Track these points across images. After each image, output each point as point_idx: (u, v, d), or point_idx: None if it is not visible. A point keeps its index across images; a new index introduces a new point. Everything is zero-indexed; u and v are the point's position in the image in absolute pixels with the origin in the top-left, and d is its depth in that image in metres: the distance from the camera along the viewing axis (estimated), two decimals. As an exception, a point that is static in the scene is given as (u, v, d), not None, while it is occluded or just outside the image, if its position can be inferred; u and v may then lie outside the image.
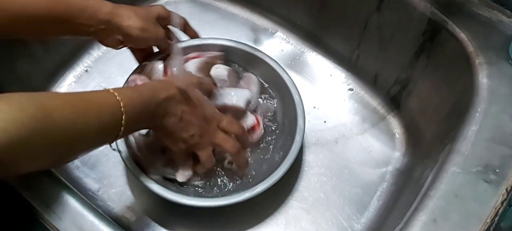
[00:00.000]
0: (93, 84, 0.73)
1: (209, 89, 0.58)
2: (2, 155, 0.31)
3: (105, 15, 0.51)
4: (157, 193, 0.54)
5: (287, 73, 0.65)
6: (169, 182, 0.58)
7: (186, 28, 0.64)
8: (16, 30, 0.48)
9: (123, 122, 0.41)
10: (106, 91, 0.42)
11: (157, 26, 0.57)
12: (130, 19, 0.53)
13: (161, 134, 0.51)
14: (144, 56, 0.62)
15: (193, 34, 0.65)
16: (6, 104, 0.32)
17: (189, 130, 0.50)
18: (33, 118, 0.33)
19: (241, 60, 0.68)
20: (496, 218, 0.43)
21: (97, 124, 0.39)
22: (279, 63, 0.66)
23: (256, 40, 0.80)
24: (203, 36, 0.67)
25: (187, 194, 0.55)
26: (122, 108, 0.41)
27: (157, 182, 0.55)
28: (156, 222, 0.61)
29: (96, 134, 0.40)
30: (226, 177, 0.59)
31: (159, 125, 0.48)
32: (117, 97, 0.41)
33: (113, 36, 0.53)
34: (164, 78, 0.59)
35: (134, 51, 0.62)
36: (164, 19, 0.59)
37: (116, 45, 0.55)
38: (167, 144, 0.52)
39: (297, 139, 0.58)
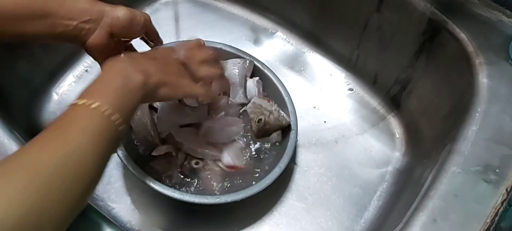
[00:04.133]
0: (93, 84, 0.73)
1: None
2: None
3: (84, 3, 0.48)
4: (157, 190, 0.54)
5: (273, 72, 0.65)
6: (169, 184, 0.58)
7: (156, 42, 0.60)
8: None
9: (119, 119, 0.39)
10: (76, 106, 0.38)
11: (141, 12, 0.53)
12: (111, 5, 0.50)
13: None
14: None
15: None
16: (1, 183, 0.30)
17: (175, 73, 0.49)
18: (24, 187, 0.31)
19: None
20: (496, 218, 0.43)
21: (92, 144, 0.36)
22: (266, 65, 0.66)
23: (256, 40, 0.80)
24: (202, 37, 0.67)
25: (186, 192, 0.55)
26: (105, 111, 0.38)
27: (156, 180, 0.55)
28: (156, 221, 0.61)
29: (96, 152, 0.37)
30: (228, 177, 0.60)
31: (154, 98, 0.46)
32: (92, 106, 0.38)
33: (99, 29, 0.49)
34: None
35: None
36: (147, 26, 0.55)
37: (103, 40, 0.49)
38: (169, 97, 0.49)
39: (292, 136, 0.59)
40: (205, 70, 0.54)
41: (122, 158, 0.56)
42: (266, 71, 0.65)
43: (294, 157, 0.65)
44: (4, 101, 0.62)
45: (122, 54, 0.46)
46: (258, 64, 0.66)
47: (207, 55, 0.55)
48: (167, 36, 0.77)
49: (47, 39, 0.48)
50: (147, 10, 0.82)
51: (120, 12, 0.49)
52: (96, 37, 0.49)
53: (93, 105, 0.38)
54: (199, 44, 0.56)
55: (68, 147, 0.35)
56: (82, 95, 0.39)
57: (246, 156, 0.61)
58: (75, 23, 0.47)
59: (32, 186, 0.31)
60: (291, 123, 0.61)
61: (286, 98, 0.63)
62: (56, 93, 0.72)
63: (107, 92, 0.40)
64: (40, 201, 0.31)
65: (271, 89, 0.65)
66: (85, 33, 0.48)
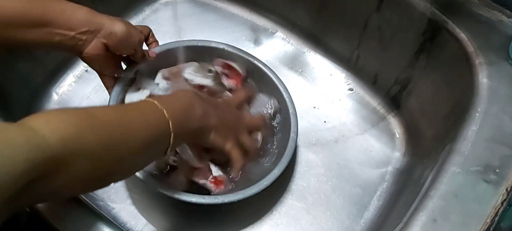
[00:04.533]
0: (93, 84, 0.73)
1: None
2: (58, 152, 0.31)
3: (85, 14, 0.48)
4: (159, 191, 0.54)
5: (274, 73, 0.65)
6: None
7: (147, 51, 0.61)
8: None
9: (170, 128, 0.42)
10: (145, 101, 0.43)
11: (137, 30, 0.55)
12: (110, 18, 0.51)
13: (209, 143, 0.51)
14: (113, 80, 0.58)
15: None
16: (51, 111, 0.34)
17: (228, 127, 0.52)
18: (78, 117, 0.34)
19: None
20: (496, 218, 0.43)
21: (144, 127, 0.40)
22: (267, 64, 0.66)
23: (256, 40, 0.80)
24: (202, 37, 0.67)
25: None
26: (166, 114, 0.41)
27: (156, 181, 0.55)
28: (156, 222, 0.61)
29: (144, 136, 0.40)
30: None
31: (204, 138, 0.50)
32: (159, 106, 0.42)
33: (95, 40, 0.50)
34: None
35: (103, 75, 0.57)
36: (145, 36, 0.59)
37: (99, 51, 0.51)
38: (218, 146, 0.52)
39: (292, 135, 0.59)
40: (249, 142, 0.56)
41: None
42: (266, 71, 0.65)
43: (294, 158, 0.65)
44: (4, 101, 0.62)
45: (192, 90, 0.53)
46: (259, 64, 0.66)
47: (257, 122, 0.59)
48: (167, 36, 0.78)
49: (44, 47, 0.48)
50: (147, 10, 0.82)
51: (118, 28, 0.50)
52: (92, 48, 0.50)
53: (158, 106, 0.42)
54: (263, 120, 0.62)
55: (126, 117, 0.39)
56: (154, 97, 0.44)
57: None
58: (72, 33, 0.48)
59: (84, 121, 0.34)
60: (292, 124, 0.61)
61: (287, 99, 0.63)
62: (56, 93, 0.72)
63: (171, 103, 0.44)
64: (88, 134, 0.34)
65: (270, 88, 0.65)
66: (82, 44, 0.49)
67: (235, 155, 0.53)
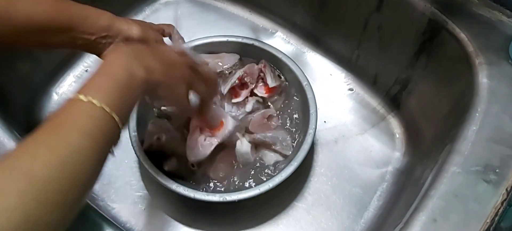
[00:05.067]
0: (93, 84, 0.73)
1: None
2: None
3: (106, 20, 0.51)
4: (165, 185, 0.54)
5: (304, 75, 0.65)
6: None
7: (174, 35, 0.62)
8: (20, 40, 0.47)
9: (117, 121, 0.37)
10: (77, 102, 0.36)
11: (154, 31, 0.57)
12: (128, 23, 0.53)
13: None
14: None
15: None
16: None
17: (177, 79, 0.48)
18: (20, 194, 0.29)
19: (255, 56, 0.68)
20: (496, 218, 0.43)
21: (91, 146, 0.35)
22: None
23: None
24: (202, 37, 0.67)
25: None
26: (107, 111, 0.36)
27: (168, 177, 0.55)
28: (156, 221, 0.61)
29: (94, 153, 0.35)
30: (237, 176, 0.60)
31: (151, 95, 0.47)
32: (96, 104, 0.36)
33: (115, 43, 0.52)
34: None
35: None
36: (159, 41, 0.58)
37: None
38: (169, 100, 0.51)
39: (308, 140, 0.59)
40: (203, 90, 0.52)
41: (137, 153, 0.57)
42: (284, 59, 0.66)
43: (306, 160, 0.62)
44: (4, 101, 0.62)
45: (125, 45, 0.46)
46: (278, 55, 0.66)
47: (214, 78, 0.56)
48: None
49: (66, 47, 0.51)
50: (147, 10, 0.83)
51: (135, 31, 0.52)
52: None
53: (94, 102, 0.35)
54: (203, 63, 0.58)
55: (66, 149, 0.33)
56: (82, 89, 0.37)
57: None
58: (94, 37, 0.50)
59: (29, 193, 0.29)
60: (311, 121, 0.60)
61: (305, 87, 0.63)
62: (56, 93, 0.72)
63: (108, 89, 0.38)
64: (37, 208, 0.30)
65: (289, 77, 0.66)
66: (101, 47, 0.51)
67: (188, 107, 0.51)
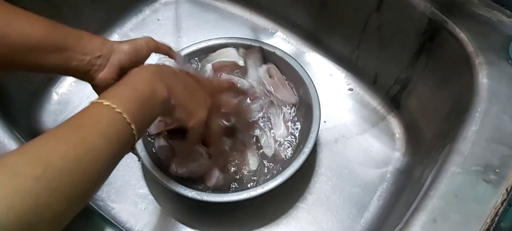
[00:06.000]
0: (93, 84, 0.73)
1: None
2: None
3: (98, 41, 0.51)
4: (166, 185, 0.55)
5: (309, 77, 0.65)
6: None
7: (171, 54, 0.61)
8: (16, 60, 0.47)
9: (134, 131, 0.39)
10: (100, 106, 0.38)
11: (141, 42, 0.56)
12: (119, 42, 0.53)
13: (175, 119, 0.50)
14: None
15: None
16: (3, 175, 0.30)
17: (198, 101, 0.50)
18: (35, 179, 0.30)
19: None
20: (496, 218, 0.43)
21: (106, 148, 0.36)
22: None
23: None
24: (202, 37, 0.67)
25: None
26: (127, 119, 0.38)
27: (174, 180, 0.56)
28: (156, 221, 0.61)
29: (108, 156, 0.37)
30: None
31: (169, 116, 0.48)
32: (117, 110, 0.38)
33: (109, 66, 0.52)
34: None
35: None
36: (152, 48, 0.59)
37: (113, 75, 0.52)
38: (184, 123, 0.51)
39: (311, 140, 0.59)
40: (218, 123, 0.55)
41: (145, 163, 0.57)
42: (286, 59, 0.66)
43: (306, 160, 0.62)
44: (4, 101, 0.62)
45: (152, 65, 0.48)
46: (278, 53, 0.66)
47: (234, 105, 0.57)
48: (167, 36, 0.78)
49: (60, 72, 0.51)
50: (147, 10, 0.83)
51: (125, 46, 0.52)
52: (106, 73, 0.51)
53: (115, 108, 0.38)
54: (232, 86, 0.59)
55: (85, 147, 0.35)
56: (106, 95, 0.39)
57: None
58: (88, 58, 0.50)
59: (43, 180, 0.31)
60: (313, 121, 0.60)
61: (306, 81, 0.64)
62: (56, 93, 0.72)
63: (131, 100, 0.40)
64: (49, 195, 0.31)
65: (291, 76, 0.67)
66: (96, 69, 0.51)
67: (194, 133, 0.52)
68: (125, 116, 0.38)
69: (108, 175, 0.38)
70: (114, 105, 0.38)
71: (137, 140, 0.40)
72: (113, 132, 0.37)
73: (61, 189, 0.32)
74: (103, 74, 0.51)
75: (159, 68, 0.47)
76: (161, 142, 0.60)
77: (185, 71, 0.55)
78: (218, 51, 0.67)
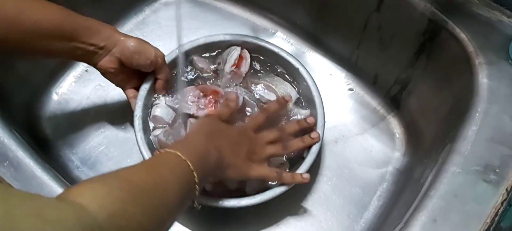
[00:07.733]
0: (93, 84, 0.73)
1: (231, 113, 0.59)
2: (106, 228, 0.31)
3: (107, 31, 0.54)
4: None
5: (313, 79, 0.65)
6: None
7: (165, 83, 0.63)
8: (27, 45, 0.50)
9: (195, 179, 0.43)
10: (169, 154, 0.43)
11: (153, 46, 0.59)
12: (126, 36, 0.56)
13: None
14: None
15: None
16: (94, 183, 0.34)
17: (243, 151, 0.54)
18: (121, 189, 0.34)
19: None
20: (496, 218, 0.43)
21: (176, 184, 0.41)
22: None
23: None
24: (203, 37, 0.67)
25: None
26: (190, 166, 0.43)
27: None
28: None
29: (178, 193, 0.41)
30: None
31: (222, 176, 0.52)
32: (183, 157, 0.43)
33: (109, 55, 0.55)
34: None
35: (124, 89, 0.62)
36: (157, 63, 0.60)
37: (112, 64, 0.56)
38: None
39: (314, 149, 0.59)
40: (270, 150, 0.57)
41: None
42: (292, 60, 0.66)
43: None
44: (4, 101, 0.62)
45: (206, 119, 0.55)
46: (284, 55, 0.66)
47: (275, 136, 0.58)
48: (167, 36, 0.77)
49: (66, 57, 0.56)
50: (147, 10, 0.82)
51: (131, 43, 0.56)
52: (105, 61, 0.56)
53: (181, 156, 0.43)
54: (281, 131, 0.59)
55: (159, 178, 0.39)
56: (173, 147, 0.44)
57: None
58: (92, 48, 0.54)
59: (127, 192, 0.34)
60: (318, 123, 0.61)
61: (312, 88, 0.64)
62: (56, 93, 0.72)
63: (192, 154, 0.44)
64: (132, 205, 0.34)
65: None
66: (97, 56, 0.55)
67: (264, 173, 0.55)
68: (189, 163, 0.43)
69: (178, 213, 0.41)
70: (180, 154, 0.43)
71: (198, 191, 0.44)
72: (180, 172, 0.42)
73: (144, 204, 0.35)
74: (103, 62, 0.56)
75: (210, 128, 0.52)
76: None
77: (228, 126, 0.56)
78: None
